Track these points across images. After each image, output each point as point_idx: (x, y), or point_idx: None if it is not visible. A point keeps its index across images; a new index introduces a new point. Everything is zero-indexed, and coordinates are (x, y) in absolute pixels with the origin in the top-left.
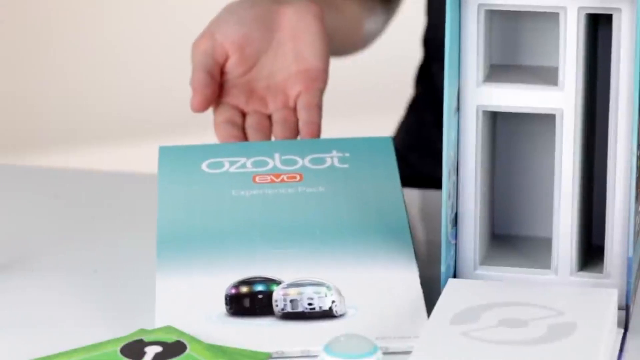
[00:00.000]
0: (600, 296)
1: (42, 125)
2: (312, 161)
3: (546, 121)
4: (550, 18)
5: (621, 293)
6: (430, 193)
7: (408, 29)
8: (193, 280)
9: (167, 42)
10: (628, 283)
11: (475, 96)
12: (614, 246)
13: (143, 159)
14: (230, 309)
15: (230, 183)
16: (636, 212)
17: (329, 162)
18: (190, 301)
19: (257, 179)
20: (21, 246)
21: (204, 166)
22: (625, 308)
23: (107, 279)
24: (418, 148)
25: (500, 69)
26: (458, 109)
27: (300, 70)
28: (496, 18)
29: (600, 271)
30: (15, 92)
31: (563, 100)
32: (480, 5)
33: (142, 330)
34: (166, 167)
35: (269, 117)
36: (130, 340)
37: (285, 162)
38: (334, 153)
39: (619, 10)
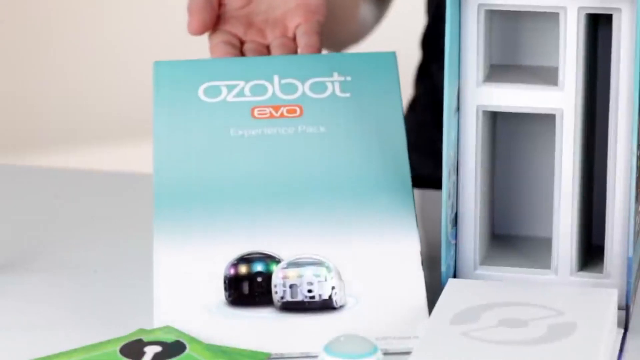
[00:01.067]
0: (600, 296)
1: (42, 125)
2: (312, 88)
3: (546, 121)
4: (550, 18)
5: (621, 293)
6: (430, 193)
7: (408, 29)
8: (191, 255)
9: (167, 42)
10: (628, 283)
11: (475, 96)
12: (614, 246)
13: (143, 159)
14: (229, 295)
15: (229, 118)
16: (636, 212)
17: (329, 89)
18: (189, 283)
19: (255, 112)
20: (21, 246)
21: (200, 93)
22: (625, 308)
23: (107, 279)
24: (418, 148)
25: (500, 69)
26: (458, 109)
27: (299, 4)
28: (496, 18)
29: (600, 271)
30: (15, 92)
31: (563, 100)
32: (480, 5)
33: (142, 330)
34: (162, 91)
35: (268, 47)
36: (130, 340)
37: (284, 89)
38: (335, 77)
39: (619, 10)
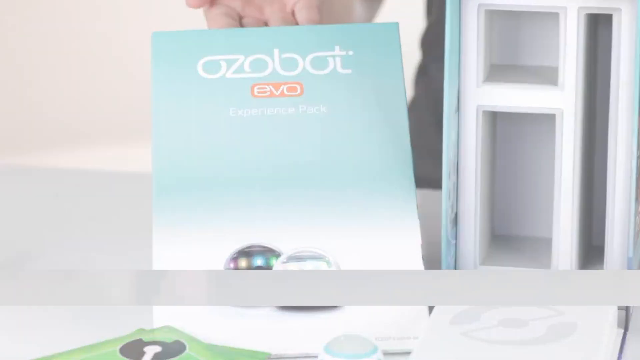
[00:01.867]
0: None
1: (42, 125)
2: (313, 63)
3: (546, 121)
4: (550, 18)
5: None
6: (430, 193)
7: (407, 30)
8: (191, 247)
9: None
10: None
11: (475, 96)
12: (614, 246)
13: (143, 159)
14: None
15: (228, 96)
16: (636, 212)
17: (331, 65)
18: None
19: (255, 90)
20: (21, 246)
21: (199, 68)
22: (625, 308)
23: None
24: (417, 148)
25: (500, 69)
26: (458, 109)
27: None
28: (496, 18)
29: None
30: (15, 92)
31: (563, 100)
32: (480, 5)
33: (141, 330)
34: (160, 64)
35: (266, 24)
36: (130, 340)
37: (285, 64)
38: (337, 51)
39: (619, 10)
